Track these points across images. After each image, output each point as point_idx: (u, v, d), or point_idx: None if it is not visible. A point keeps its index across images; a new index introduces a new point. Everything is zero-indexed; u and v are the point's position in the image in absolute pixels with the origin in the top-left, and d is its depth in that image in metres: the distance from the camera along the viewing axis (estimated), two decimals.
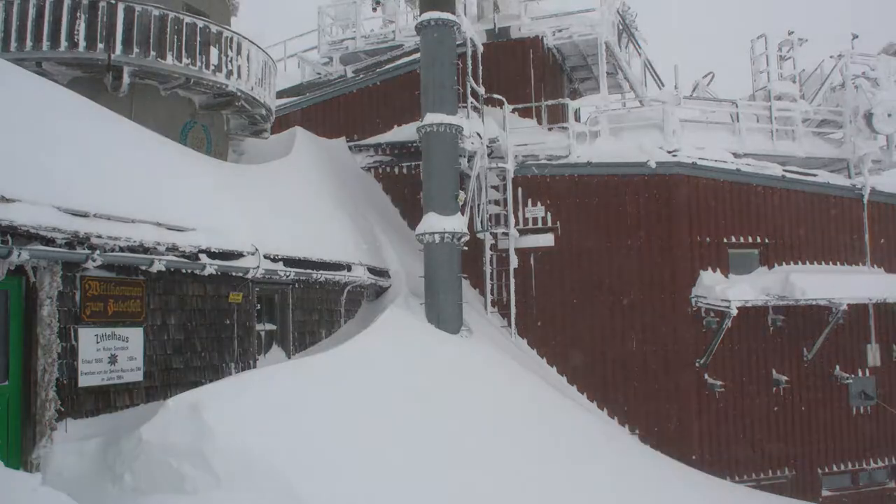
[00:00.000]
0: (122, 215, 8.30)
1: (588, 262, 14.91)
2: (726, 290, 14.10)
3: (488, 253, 14.95)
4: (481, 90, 15.27)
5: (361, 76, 18.32)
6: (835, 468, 15.34)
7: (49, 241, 7.35)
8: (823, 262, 15.75)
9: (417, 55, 14.72)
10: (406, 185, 16.62)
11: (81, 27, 10.94)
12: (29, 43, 10.85)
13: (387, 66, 17.96)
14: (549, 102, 16.59)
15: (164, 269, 8.74)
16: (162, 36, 11.55)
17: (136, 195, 8.82)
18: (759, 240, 15.28)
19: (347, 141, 17.25)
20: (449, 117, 12.93)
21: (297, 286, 11.79)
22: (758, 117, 17.00)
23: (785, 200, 15.57)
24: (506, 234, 15.00)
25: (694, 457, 13.90)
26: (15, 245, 6.96)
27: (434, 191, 13.00)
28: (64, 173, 7.98)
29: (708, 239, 14.90)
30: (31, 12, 10.83)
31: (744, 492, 13.46)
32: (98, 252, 7.85)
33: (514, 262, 14.93)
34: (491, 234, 15.00)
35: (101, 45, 11.06)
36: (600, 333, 14.74)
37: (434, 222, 12.74)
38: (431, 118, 12.85)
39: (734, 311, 13.83)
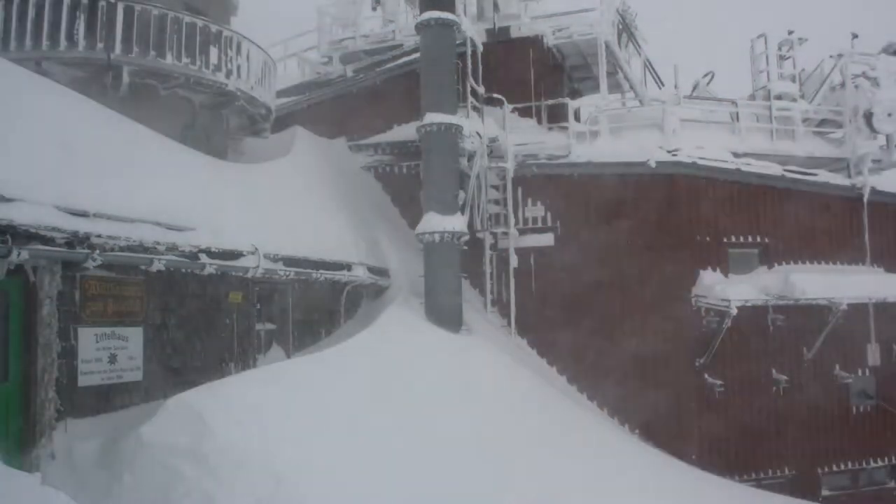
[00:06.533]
0: (121, 215, 8.31)
1: (588, 262, 14.88)
2: (726, 289, 14.09)
3: (488, 252, 14.94)
4: (481, 90, 15.26)
5: (361, 76, 18.29)
6: (835, 468, 15.33)
7: (49, 241, 7.35)
8: (823, 262, 15.73)
9: (417, 55, 14.70)
10: (406, 185, 16.59)
11: (81, 27, 10.96)
12: (28, 43, 10.86)
13: (387, 66, 17.94)
14: (549, 102, 16.56)
15: (163, 268, 8.74)
16: (161, 35, 11.55)
17: (136, 195, 8.82)
18: (759, 239, 15.27)
19: (347, 141, 17.23)
20: (449, 117, 12.93)
21: (297, 286, 11.78)
22: (758, 117, 16.98)
23: (785, 200, 15.55)
24: (506, 233, 14.99)
25: (694, 456, 13.87)
26: (15, 245, 6.96)
27: (434, 190, 13.00)
28: (64, 173, 7.98)
29: (708, 238, 14.87)
30: (31, 12, 10.84)
31: (744, 491, 13.45)
32: (98, 252, 7.85)
33: (513, 261, 14.91)
34: (491, 233, 14.99)
35: (100, 45, 11.07)
36: (600, 333, 14.71)
37: (434, 222, 12.74)
38: (431, 118, 12.85)
39: (734, 311, 13.81)
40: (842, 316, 14.67)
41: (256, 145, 15.66)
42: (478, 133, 14.48)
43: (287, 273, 11.08)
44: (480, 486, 8.55)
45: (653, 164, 14.76)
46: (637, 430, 14.29)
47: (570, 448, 10.72)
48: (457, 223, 12.87)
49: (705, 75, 19.03)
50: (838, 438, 15.32)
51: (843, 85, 17.02)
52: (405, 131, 16.37)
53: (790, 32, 18.02)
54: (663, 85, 19.72)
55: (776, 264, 15.25)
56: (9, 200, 6.98)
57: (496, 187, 15.33)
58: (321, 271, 11.94)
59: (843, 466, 15.39)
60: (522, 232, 15.16)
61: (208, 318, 9.91)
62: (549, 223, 15.20)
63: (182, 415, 7.39)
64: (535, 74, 16.94)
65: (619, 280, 14.74)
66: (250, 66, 13.15)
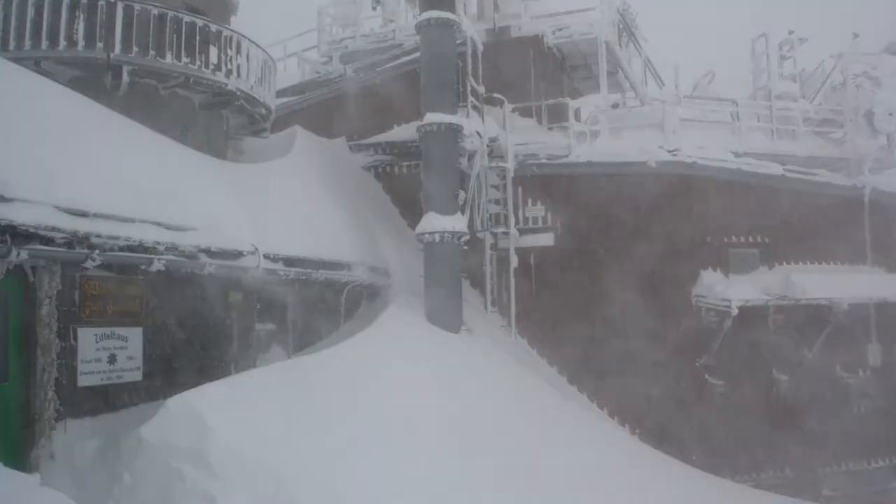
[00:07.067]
0: (121, 215, 8.29)
1: (588, 262, 14.88)
2: (727, 289, 14.09)
3: (488, 252, 14.91)
4: (481, 89, 15.24)
5: (361, 75, 18.28)
6: (836, 468, 15.32)
7: (48, 241, 7.34)
8: (824, 262, 15.74)
9: (417, 54, 14.69)
10: (406, 185, 16.57)
11: (80, 26, 10.93)
12: (28, 42, 10.83)
13: (387, 66, 17.92)
14: (549, 102, 16.56)
15: (163, 268, 8.72)
16: (161, 35, 11.53)
17: (135, 194, 8.80)
18: (759, 239, 15.26)
19: (347, 141, 17.22)
20: (449, 117, 12.90)
21: (297, 286, 11.77)
22: (758, 116, 16.99)
23: (785, 200, 15.55)
24: (506, 233, 14.96)
25: (694, 456, 13.87)
26: (14, 244, 6.95)
27: (434, 190, 12.98)
28: (64, 173, 7.97)
29: (708, 238, 14.87)
30: (30, 11, 10.81)
31: (744, 491, 13.44)
32: (97, 252, 7.83)
33: (514, 261, 14.87)
34: (491, 233, 14.96)
35: (100, 45, 11.05)
36: (600, 333, 14.69)
37: (434, 222, 12.72)
38: (431, 118, 12.83)
39: (734, 311, 13.81)
40: (842, 316, 14.66)
41: (256, 145, 15.64)
42: (478, 133, 14.46)
43: (287, 273, 11.06)
44: (480, 486, 8.55)
45: (653, 164, 14.75)
46: (637, 430, 14.28)
47: (570, 449, 10.70)
48: (457, 223, 12.85)
49: (705, 75, 19.01)
50: (839, 438, 15.31)
51: (843, 85, 17.02)
52: (405, 131, 16.35)
53: (790, 32, 18.04)
54: (663, 84, 19.73)
55: (777, 264, 15.25)
56: (9, 200, 6.96)
57: (496, 187, 15.31)
58: (321, 271, 11.92)
59: (843, 466, 15.39)
60: (522, 232, 15.13)
61: (208, 318, 9.90)
62: (549, 223, 15.19)
63: (182, 415, 7.38)
64: (535, 74, 16.93)
65: (619, 280, 14.72)
66: (250, 66, 13.13)
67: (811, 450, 15.08)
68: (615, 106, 17.48)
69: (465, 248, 13.40)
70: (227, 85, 12.50)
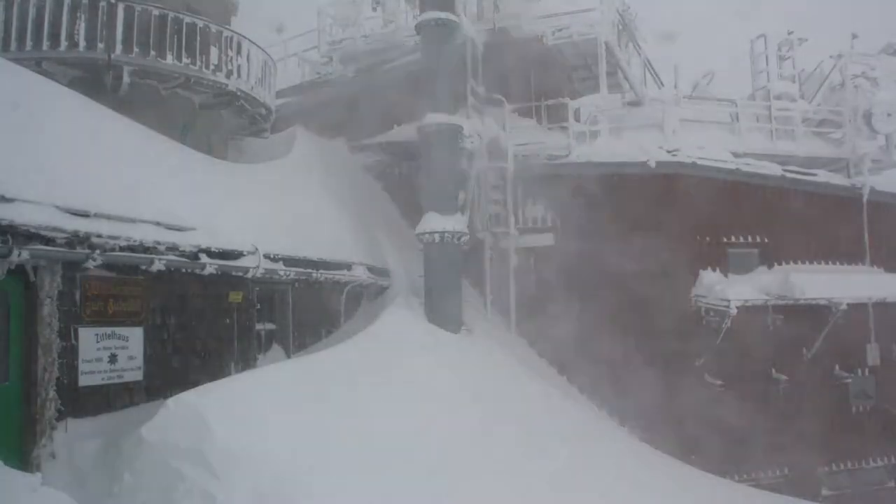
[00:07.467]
0: (122, 215, 8.32)
1: (588, 262, 14.86)
2: (726, 289, 14.10)
3: (488, 252, 14.92)
4: (481, 90, 15.25)
5: (362, 76, 18.28)
6: (835, 468, 15.33)
7: (49, 241, 7.37)
8: (823, 262, 15.75)
9: (417, 55, 14.71)
10: (406, 185, 16.58)
11: (81, 27, 10.98)
12: (29, 43, 10.88)
13: (387, 66, 17.93)
14: (549, 102, 16.56)
15: (164, 268, 8.75)
16: (162, 36, 11.58)
17: (136, 195, 8.83)
18: (758, 239, 15.28)
19: (347, 141, 17.23)
20: (449, 117, 12.93)
21: (297, 286, 11.79)
22: (757, 117, 17.00)
23: (785, 200, 15.57)
24: (506, 233, 14.98)
25: (693, 456, 13.88)
26: (15, 245, 6.98)
27: (434, 190, 13.01)
28: (64, 173, 8.00)
29: (708, 238, 14.89)
30: (32, 12, 10.86)
31: (744, 491, 13.46)
32: (98, 252, 7.86)
33: (514, 261, 14.90)
34: (491, 233, 14.98)
35: (100, 45, 11.09)
36: (600, 333, 14.69)
37: (434, 222, 12.74)
38: (431, 118, 12.85)
39: (734, 311, 13.82)
40: (841, 316, 14.68)
41: (256, 145, 15.67)
42: (478, 133, 14.47)
43: (287, 273, 11.08)
44: (480, 485, 8.56)
45: (653, 164, 14.77)
46: (637, 430, 14.28)
47: (568, 447, 10.72)
48: (457, 223, 12.87)
49: (705, 75, 19.02)
50: (838, 438, 15.33)
51: (842, 85, 17.04)
52: (405, 131, 16.34)
53: (790, 32, 18.04)
54: (663, 84, 19.72)
55: (776, 264, 15.26)
56: (9, 200, 6.99)
57: (496, 187, 15.32)
58: (321, 271, 11.94)
59: (842, 466, 15.41)
60: (522, 232, 15.14)
61: (208, 318, 9.92)
62: (549, 223, 15.19)
63: (182, 415, 7.40)
64: (535, 74, 16.94)
65: (618, 280, 14.71)
66: (250, 67, 13.17)
67: (811, 449, 15.10)
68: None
69: (465, 248, 13.41)
70: (227, 85, 12.54)
